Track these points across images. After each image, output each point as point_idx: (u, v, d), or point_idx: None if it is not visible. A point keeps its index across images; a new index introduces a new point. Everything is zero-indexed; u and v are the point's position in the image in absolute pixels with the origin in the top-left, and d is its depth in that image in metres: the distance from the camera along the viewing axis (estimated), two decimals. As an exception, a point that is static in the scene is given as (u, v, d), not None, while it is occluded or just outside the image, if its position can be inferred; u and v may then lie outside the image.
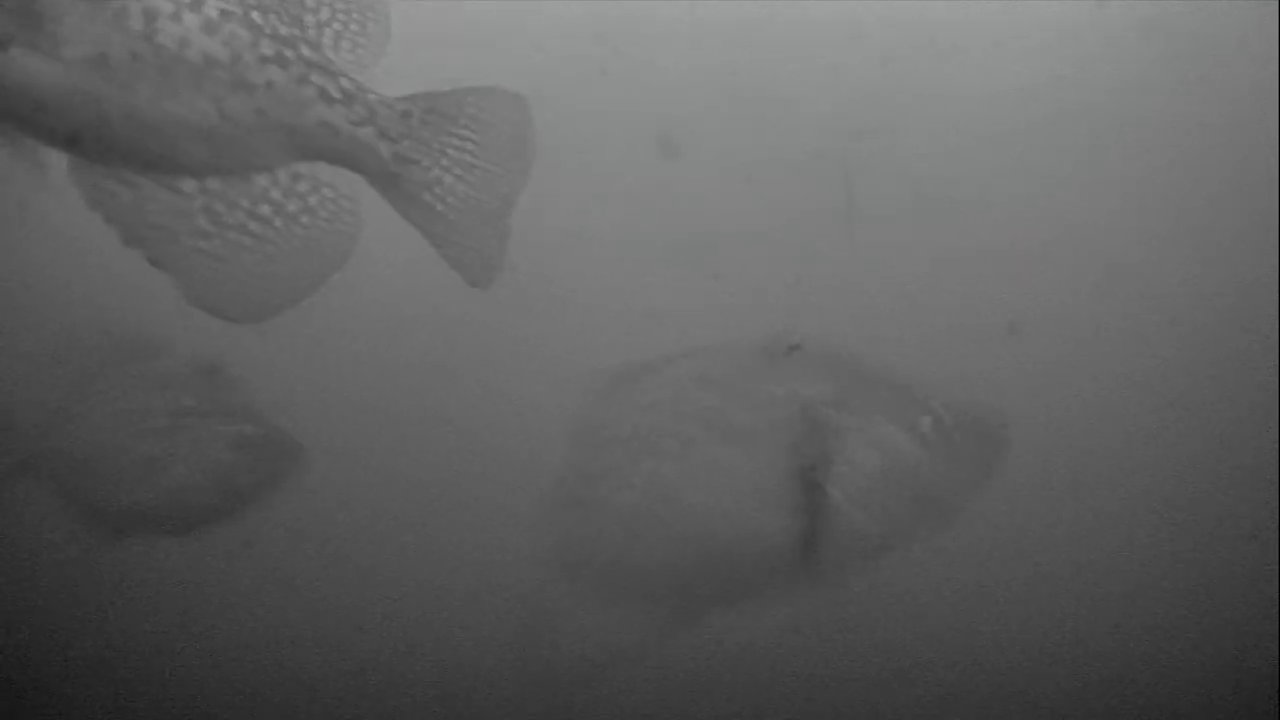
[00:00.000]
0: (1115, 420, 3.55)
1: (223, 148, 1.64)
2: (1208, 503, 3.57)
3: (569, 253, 3.43)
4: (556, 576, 2.00)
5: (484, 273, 1.81)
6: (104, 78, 1.55)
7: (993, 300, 3.46)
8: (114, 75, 1.56)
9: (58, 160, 1.59)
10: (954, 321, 3.42)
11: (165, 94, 1.58)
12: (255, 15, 1.64)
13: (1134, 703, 3.63)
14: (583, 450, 2.00)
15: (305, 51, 1.68)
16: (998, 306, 3.46)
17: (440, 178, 1.78)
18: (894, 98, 3.40)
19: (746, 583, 1.93)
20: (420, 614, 3.56)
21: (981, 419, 1.98)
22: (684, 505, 1.92)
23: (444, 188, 1.78)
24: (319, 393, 3.34)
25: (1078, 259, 3.51)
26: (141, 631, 3.55)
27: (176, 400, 2.68)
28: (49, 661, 3.53)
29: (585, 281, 3.48)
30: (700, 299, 3.46)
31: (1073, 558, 3.58)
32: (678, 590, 1.95)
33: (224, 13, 1.61)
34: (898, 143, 3.42)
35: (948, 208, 3.46)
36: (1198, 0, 3.41)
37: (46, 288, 3.30)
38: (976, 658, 3.61)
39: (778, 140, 3.41)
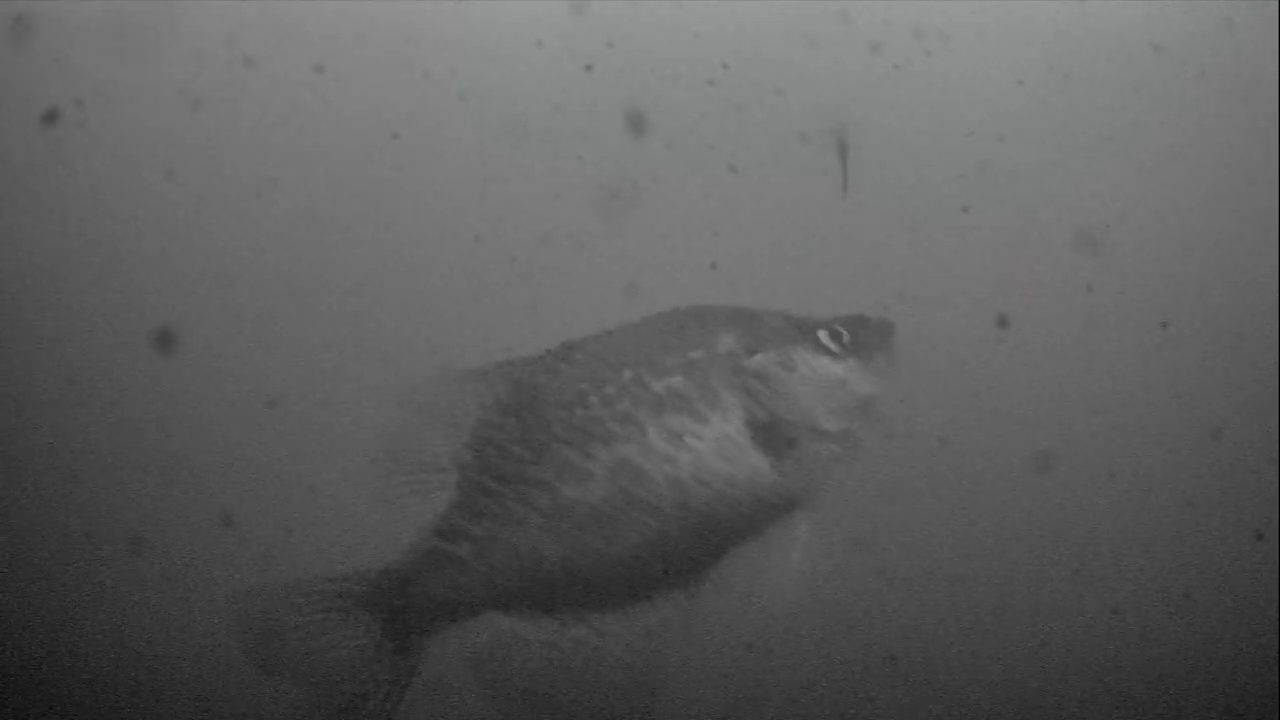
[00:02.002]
0: (1112, 416, 3.54)
1: None
2: (1206, 502, 3.56)
3: (564, 246, 3.45)
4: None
5: None
6: None
7: (981, 293, 3.47)
8: None
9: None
10: (941, 313, 3.43)
11: None
12: None
13: (1133, 702, 3.62)
14: (514, 459, 1.99)
15: None
16: (986, 299, 3.46)
17: None
18: (882, 85, 3.41)
19: (741, 532, 1.98)
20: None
21: (862, 316, 2.06)
22: (657, 481, 1.95)
23: None
24: (285, 365, 3.35)
25: (1069, 253, 3.51)
26: (131, 622, 3.56)
27: None
28: (35, 654, 3.54)
29: (581, 275, 3.49)
30: (698, 290, 3.46)
31: (1069, 556, 3.57)
32: (679, 564, 1.98)
33: None
34: (885, 131, 3.43)
35: (937, 198, 3.47)
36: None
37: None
38: (970, 655, 3.60)
39: (764, 128, 3.42)
